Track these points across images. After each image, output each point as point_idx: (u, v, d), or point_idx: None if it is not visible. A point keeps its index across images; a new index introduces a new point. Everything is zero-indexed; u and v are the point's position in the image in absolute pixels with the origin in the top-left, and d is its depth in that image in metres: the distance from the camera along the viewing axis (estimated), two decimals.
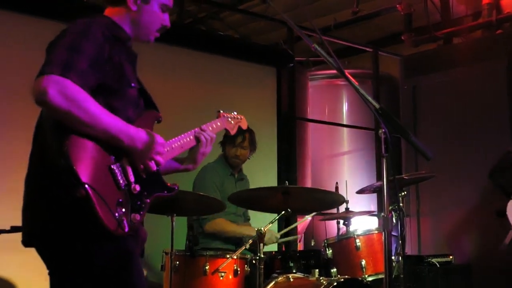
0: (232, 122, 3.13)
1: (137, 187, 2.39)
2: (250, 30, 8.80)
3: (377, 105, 2.30)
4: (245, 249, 4.19)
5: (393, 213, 4.74)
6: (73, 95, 2.20)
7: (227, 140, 4.94)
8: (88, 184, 2.15)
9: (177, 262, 4.03)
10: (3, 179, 4.51)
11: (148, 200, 2.44)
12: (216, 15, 8.45)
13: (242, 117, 3.23)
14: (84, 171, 2.17)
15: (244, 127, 3.23)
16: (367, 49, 7.48)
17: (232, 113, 3.17)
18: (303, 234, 6.80)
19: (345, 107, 7.69)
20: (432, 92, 7.05)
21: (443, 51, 7.34)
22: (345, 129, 7.58)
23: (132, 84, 2.49)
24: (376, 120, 7.39)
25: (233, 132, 3.15)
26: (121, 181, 2.33)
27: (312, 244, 6.24)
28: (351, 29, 8.13)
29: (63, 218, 2.23)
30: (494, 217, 5.75)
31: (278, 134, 6.35)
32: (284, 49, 6.56)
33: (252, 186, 5.29)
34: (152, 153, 2.44)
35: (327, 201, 4.43)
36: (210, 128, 2.91)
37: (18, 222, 3.43)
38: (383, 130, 2.28)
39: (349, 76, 2.33)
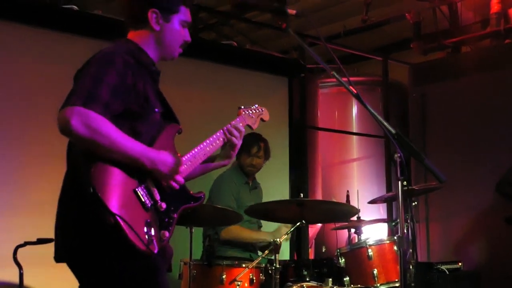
0: (253, 116, 3.13)
1: (163, 205, 2.50)
2: (259, 36, 8.92)
3: (393, 131, 2.42)
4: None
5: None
6: (95, 125, 2.32)
7: (242, 149, 5.04)
8: (116, 212, 2.27)
9: (195, 271, 4.14)
10: (31, 193, 4.64)
11: (176, 215, 2.56)
12: (226, 22, 8.57)
13: (264, 109, 3.21)
14: (111, 198, 2.30)
15: (266, 119, 3.19)
16: (377, 58, 7.59)
17: (253, 106, 3.17)
18: (313, 241, 6.91)
19: (354, 114, 7.78)
20: (440, 100, 7.13)
21: (452, 59, 7.43)
22: (354, 136, 7.67)
23: (156, 110, 2.60)
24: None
25: (255, 126, 3.13)
26: (147, 202, 2.44)
27: (323, 251, 6.37)
28: (360, 35, 8.24)
29: (94, 241, 2.36)
30: (503, 224, 5.87)
31: (289, 142, 6.46)
32: (296, 59, 6.68)
33: (264, 194, 5.43)
34: (174, 173, 2.54)
35: (341, 212, 4.54)
36: (233, 128, 2.93)
37: (45, 235, 3.60)
38: (399, 154, 2.39)
39: (366, 103, 2.44)
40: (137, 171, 2.45)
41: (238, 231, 4.86)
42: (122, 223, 2.27)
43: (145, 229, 2.37)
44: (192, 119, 5.55)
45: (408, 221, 4.84)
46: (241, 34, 8.87)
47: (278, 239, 3.97)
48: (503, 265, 6.14)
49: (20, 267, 3.98)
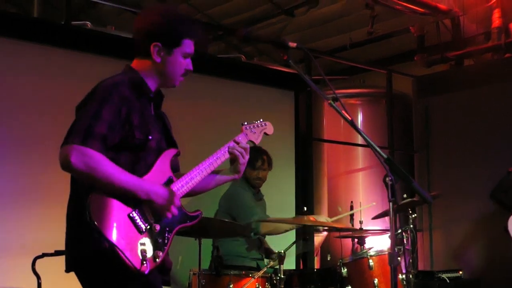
0: (256, 131, 3.16)
1: (157, 227, 2.69)
2: (267, 46, 9.06)
3: (384, 156, 2.61)
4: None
5: (403, 233, 5.07)
6: (92, 161, 2.54)
7: (247, 164, 5.22)
8: (110, 239, 2.50)
9: (204, 281, 4.34)
10: (48, 207, 4.85)
11: (171, 236, 2.74)
12: (222, 37, 8.71)
13: (267, 123, 3.21)
14: (106, 225, 2.52)
15: (270, 133, 3.20)
16: (381, 71, 7.77)
17: (257, 121, 3.18)
18: (319, 249, 7.08)
19: (359, 125, 7.96)
20: (444, 112, 7.31)
21: (455, 72, 7.61)
22: (360, 147, 7.84)
23: (150, 137, 2.76)
24: (391, 138, 7.72)
25: (257, 141, 3.15)
26: (141, 225, 2.64)
27: (328, 259, 6.55)
28: (366, 47, 8.42)
29: (93, 261, 2.59)
30: (503, 233, 6.04)
31: (296, 155, 6.63)
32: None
33: (270, 207, 5.58)
34: (170, 204, 2.70)
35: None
36: (236, 145, 3.02)
37: (62, 247, 3.80)
38: (390, 177, 2.58)
39: (361, 130, 2.64)
40: (132, 199, 2.65)
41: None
42: (116, 248, 2.50)
43: (139, 251, 2.58)
44: (198, 133, 5.73)
45: (408, 232, 5.04)
46: (249, 44, 9.04)
47: (282, 251, 4.16)
48: (503, 273, 6.30)
49: (38, 277, 4.18)
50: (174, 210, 2.73)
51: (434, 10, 7.29)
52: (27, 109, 5.05)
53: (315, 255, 6.74)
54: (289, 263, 5.61)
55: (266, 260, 5.46)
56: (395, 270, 2.56)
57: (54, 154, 4.80)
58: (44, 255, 4.17)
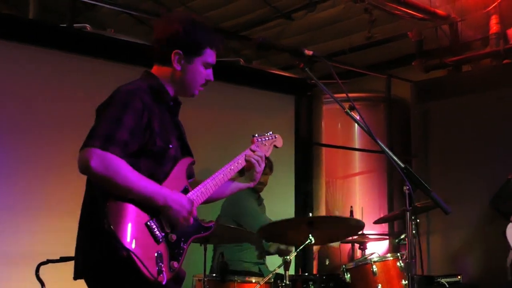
0: (267, 144, 3.20)
1: (174, 237, 2.67)
2: (256, 52, 9.06)
3: (402, 165, 2.62)
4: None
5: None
6: (112, 166, 2.52)
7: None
8: (129, 247, 2.46)
9: (208, 287, 4.34)
10: (54, 213, 4.83)
11: (186, 246, 2.73)
12: (230, 37, 8.70)
13: (277, 136, 3.27)
14: (125, 233, 2.49)
15: (279, 145, 3.25)
16: (381, 75, 7.79)
17: (267, 134, 3.23)
18: (317, 254, 7.08)
19: (357, 129, 7.97)
20: (442, 117, 7.34)
21: (453, 78, 7.65)
22: (357, 151, 7.85)
23: (170, 145, 2.76)
24: (389, 143, 7.74)
25: (268, 154, 3.18)
26: (158, 235, 2.61)
27: (327, 264, 6.56)
28: (364, 51, 8.43)
29: (108, 270, 2.56)
30: (501, 237, 6.07)
31: (295, 159, 6.64)
32: (303, 79, 6.87)
33: (270, 211, 5.61)
34: (184, 213, 2.68)
35: (348, 227, 4.73)
36: (252, 154, 3.04)
37: (67, 253, 3.78)
38: (408, 187, 2.58)
39: (377, 139, 2.64)
40: (150, 206, 2.62)
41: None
42: (134, 256, 2.46)
43: (156, 261, 2.55)
44: (198, 137, 5.69)
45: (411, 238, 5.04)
46: (247, 48, 9.04)
47: (288, 257, 4.17)
48: (501, 278, 6.32)
49: (42, 283, 4.15)
50: (191, 219, 2.72)
51: (433, 15, 7.32)
52: (24, 113, 5.02)
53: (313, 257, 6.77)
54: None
55: (266, 264, 5.48)
56: (412, 279, 2.56)
57: (59, 160, 4.87)
58: (48, 261, 4.14)
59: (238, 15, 8.29)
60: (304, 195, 6.66)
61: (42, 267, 4.16)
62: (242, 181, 3.09)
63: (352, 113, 2.73)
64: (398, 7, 7.07)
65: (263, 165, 3.06)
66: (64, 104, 5.14)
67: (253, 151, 3.05)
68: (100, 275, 2.61)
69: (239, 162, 3.00)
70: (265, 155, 3.18)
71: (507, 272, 5.84)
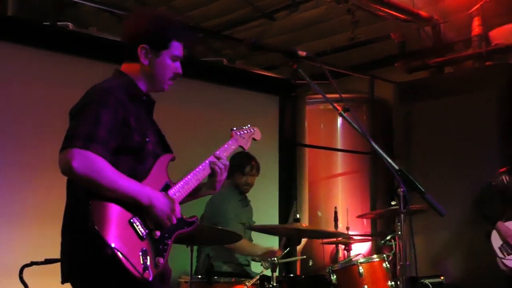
0: (245, 137, 3.24)
1: (158, 233, 2.66)
2: (237, 53, 9.04)
3: (396, 167, 2.60)
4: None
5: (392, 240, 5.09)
6: (94, 165, 2.50)
7: (236, 169, 5.22)
8: (113, 245, 2.45)
9: None
10: (39, 216, 4.75)
11: (170, 241, 2.72)
12: (202, 40, 8.63)
13: (255, 128, 3.33)
14: (109, 232, 2.48)
15: (258, 138, 3.30)
16: (364, 76, 7.80)
17: (245, 127, 3.28)
18: (300, 255, 7.05)
19: (339, 130, 7.97)
20: (424, 119, 7.36)
21: (436, 79, 7.68)
22: (339, 152, 7.84)
23: (147, 139, 2.75)
24: (372, 147, 7.73)
25: (247, 147, 3.23)
26: (142, 231, 2.60)
27: (310, 265, 6.55)
28: (347, 52, 8.43)
29: (94, 270, 2.54)
30: (483, 238, 6.10)
31: (279, 160, 6.62)
32: (287, 79, 6.85)
33: (255, 212, 5.60)
34: (168, 212, 2.68)
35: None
36: (224, 154, 3.06)
37: (52, 255, 3.72)
38: (402, 189, 2.57)
39: (372, 141, 2.62)
40: (133, 205, 2.61)
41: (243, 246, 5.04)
42: (118, 254, 2.45)
43: (141, 258, 2.54)
44: (181, 137, 5.62)
45: (397, 239, 5.05)
46: (229, 48, 9.01)
47: (275, 259, 4.15)
48: (483, 278, 6.36)
49: (26, 286, 4.08)
50: (174, 219, 2.71)
51: (416, 17, 7.34)
52: (2, 113, 4.92)
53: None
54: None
55: (252, 266, 5.45)
56: (407, 282, 2.55)
57: (40, 161, 4.78)
58: (32, 263, 4.07)
59: (220, 14, 8.25)
60: (288, 196, 6.63)
61: (26, 269, 4.08)
62: (204, 188, 3.06)
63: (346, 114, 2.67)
64: (382, 8, 7.07)
65: (225, 174, 3.03)
66: (46, 103, 5.05)
67: (218, 158, 3.02)
68: (86, 276, 2.58)
69: (205, 168, 2.98)
70: (243, 148, 3.23)
71: (490, 272, 5.87)
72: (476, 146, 6.82)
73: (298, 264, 6.93)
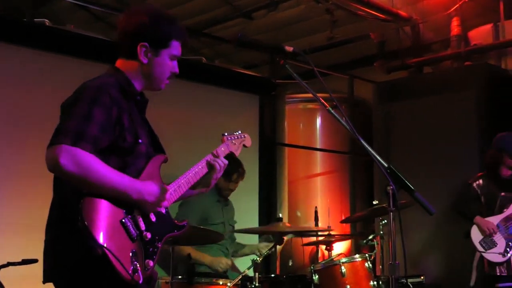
0: (236, 143, 3.20)
1: (148, 235, 2.58)
2: (225, 49, 9.00)
3: (385, 164, 2.56)
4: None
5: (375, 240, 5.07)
6: (83, 162, 2.41)
7: (223, 174, 5.13)
8: (104, 245, 2.36)
9: None
10: (17, 216, 4.63)
11: (160, 244, 2.64)
12: (192, 35, 8.62)
13: (246, 135, 3.28)
14: (99, 231, 2.39)
15: (248, 145, 3.27)
16: (343, 76, 7.79)
17: (236, 133, 3.24)
18: (279, 255, 7.01)
19: (318, 129, 7.95)
20: (404, 119, 7.35)
21: (414, 79, 7.69)
22: (318, 151, 7.81)
23: (140, 140, 2.66)
24: (351, 143, 7.74)
25: (237, 153, 3.19)
26: (133, 233, 2.52)
27: (290, 265, 6.51)
28: (325, 52, 8.41)
29: (81, 271, 2.44)
30: (461, 238, 6.11)
31: (259, 159, 6.57)
32: (267, 78, 6.81)
33: (235, 210, 5.55)
34: (160, 202, 2.63)
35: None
36: (218, 159, 2.99)
37: (29, 256, 3.63)
38: (391, 187, 2.53)
39: (360, 138, 2.58)
40: (124, 202, 2.53)
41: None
42: (109, 254, 2.36)
43: (131, 260, 2.46)
44: (161, 136, 5.58)
45: (378, 238, 5.05)
46: (207, 47, 8.95)
47: (258, 259, 4.10)
48: (463, 277, 6.36)
49: (2, 287, 3.97)
50: (165, 204, 2.68)
51: (395, 17, 7.35)
52: None
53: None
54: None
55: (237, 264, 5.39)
56: (396, 281, 2.51)
57: (19, 159, 4.67)
58: (9, 264, 3.94)
59: (198, 13, 8.19)
60: (268, 195, 6.59)
61: (2, 270, 3.97)
62: (199, 186, 3.00)
63: (335, 111, 2.62)
64: (362, 8, 7.07)
65: (221, 172, 3.00)
66: (24, 101, 4.94)
67: (216, 156, 3.00)
68: (72, 276, 2.48)
69: (203, 167, 2.95)
70: (234, 154, 3.17)
71: (471, 273, 5.87)
72: (455, 145, 6.83)
73: (278, 264, 6.90)
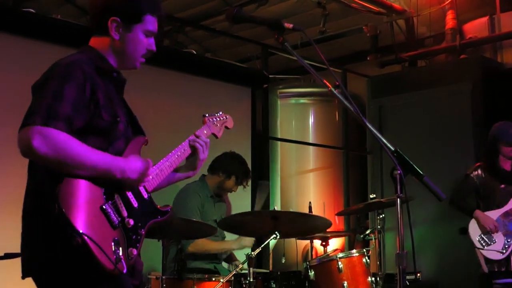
0: (218, 124, 3.06)
1: (131, 221, 2.42)
2: (214, 44, 8.87)
3: (392, 148, 2.42)
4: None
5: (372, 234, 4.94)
6: (57, 143, 2.24)
7: (238, 176, 5.08)
8: (84, 232, 2.19)
9: (164, 285, 4.06)
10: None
11: (143, 231, 2.48)
12: (181, 29, 8.48)
13: (228, 116, 3.14)
14: (78, 218, 2.22)
15: (230, 126, 3.13)
16: (337, 70, 7.66)
17: (218, 114, 3.10)
18: (272, 251, 6.88)
19: (311, 124, 7.82)
20: (397, 113, 7.25)
21: (409, 73, 7.59)
22: (311, 147, 7.69)
23: (118, 119, 2.51)
24: (345, 139, 7.61)
25: (219, 135, 3.04)
26: (114, 219, 2.36)
27: (283, 262, 6.36)
28: (318, 46, 8.27)
29: (61, 260, 2.27)
30: (457, 234, 5.99)
31: (252, 153, 6.43)
32: (260, 70, 6.67)
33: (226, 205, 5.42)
34: (143, 178, 2.48)
35: (314, 226, 4.56)
36: (200, 139, 2.86)
37: (12, 249, 3.45)
38: (399, 171, 2.39)
39: (366, 121, 2.43)
40: (105, 185, 2.37)
41: (205, 244, 4.86)
42: (90, 243, 2.20)
43: (113, 248, 2.30)
44: (152, 127, 5.40)
45: (376, 233, 4.92)
46: (195, 42, 8.82)
47: (252, 253, 3.95)
48: (459, 274, 6.26)
49: None
50: (149, 179, 2.52)
51: (389, 9, 7.24)
52: None
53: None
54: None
55: (224, 263, 5.25)
56: (403, 271, 2.36)
57: (8, 147, 4.48)
58: None
59: (188, 7, 8.07)
60: None
61: None
62: (182, 170, 2.86)
63: (337, 92, 2.47)
64: (356, 0, 6.94)
65: (207, 152, 2.85)
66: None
67: (198, 136, 2.85)
68: (51, 269, 2.31)
69: (185, 149, 2.79)
70: (216, 136, 3.02)
71: (466, 268, 5.76)
72: (450, 140, 6.74)
73: (271, 260, 6.77)
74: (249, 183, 5.28)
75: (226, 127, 3.11)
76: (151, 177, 2.55)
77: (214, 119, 3.04)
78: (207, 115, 3.02)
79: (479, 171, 5.58)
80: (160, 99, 5.76)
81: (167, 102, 5.84)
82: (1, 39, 4.85)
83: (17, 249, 2.89)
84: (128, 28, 2.59)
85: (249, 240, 4.93)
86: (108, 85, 2.53)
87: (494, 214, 5.40)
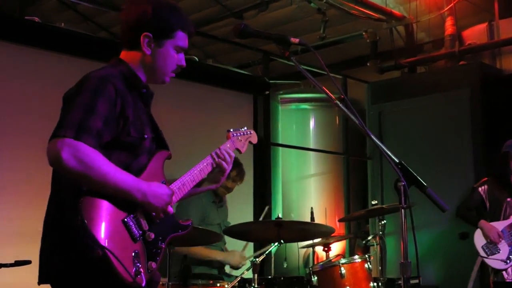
0: (242, 140, 3.08)
1: (152, 235, 2.46)
2: (214, 50, 8.91)
3: (396, 160, 2.48)
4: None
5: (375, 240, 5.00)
6: (86, 158, 2.28)
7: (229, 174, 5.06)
8: (105, 245, 2.24)
9: None
10: (10, 216, 4.49)
11: (163, 245, 2.52)
12: None
13: (252, 131, 3.16)
14: (100, 230, 2.27)
15: (254, 141, 3.15)
16: (337, 76, 7.72)
17: (242, 129, 3.12)
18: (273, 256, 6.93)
19: (311, 130, 7.88)
20: (397, 119, 7.30)
21: (408, 79, 7.64)
22: (311, 152, 7.74)
23: (145, 136, 2.54)
24: (345, 144, 7.67)
25: (243, 150, 3.05)
26: (135, 233, 2.40)
27: (285, 266, 6.42)
28: (318, 52, 8.31)
29: (80, 272, 2.32)
30: (458, 239, 6.04)
31: (254, 159, 6.47)
32: (261, 77, 6.72)
33: (229, 211, 5.45)
34: (166, 206, 2.50)
35: (317, 232, 4.62)
36: (225, 152, 2.88)
37: (22, 257, 3.51)
38: (403, 183, 2.44)
39: (370, 133, 2.49)
40: (126, 202, 2.41)
41: (193, 247, 4.87)
42: (110, 255, 2.24)
43: (133, 261, 2.35)
44: None
45: (378, 239, 4.97)
46: (195, 47, 8.86)
47: (256, 259, 4.00)
48: (459, 279, 6.30)
49: None
50: (170, 209, 2.54)
51: (389, 16, 7.30)
52: None
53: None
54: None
55: (227, 268, 5.29)
56: (408, 280, 2.42)
57: (10, 156, 4.53)
58: (1, 265, 3.81)
59: (188, 13, 7.96)
60: (263, 196, 6.49)
61: None
62: (205, 183, 2.90)
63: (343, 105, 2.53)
64: (356, 7, 7.01)
65: (230, 166, 2.87)
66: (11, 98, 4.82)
67: (221, 154, 2.86)
68: (71, 278, 2.35)
69: (207, 163, 2.82)
70: (240, 151, 3.04)
71: (466, 274, 5.81)
72: (449, 146, 6.79)
73: (272, 265, 6.81)
74: (239, 176, 5.25)
75: (250, 142, 3.14)
76: (173, 210, 2.57)
77: (238, 134, 3.06)
78: (231, 130, 3.05)
79: (486, 186, 5.66)
80: (161, 106, 5.71)
81: (168, 110, 5.80)
82: (5, 48, 4.89)
83: (27, 257, 2.97)
84: (160, 43, 2.62)
85: (237, 261, 5.00)
86: (137, 101, 2.58)
87: (499, 225, 5.47)
